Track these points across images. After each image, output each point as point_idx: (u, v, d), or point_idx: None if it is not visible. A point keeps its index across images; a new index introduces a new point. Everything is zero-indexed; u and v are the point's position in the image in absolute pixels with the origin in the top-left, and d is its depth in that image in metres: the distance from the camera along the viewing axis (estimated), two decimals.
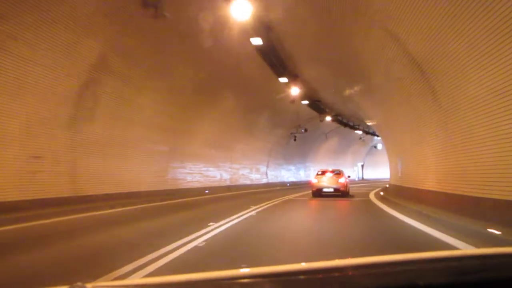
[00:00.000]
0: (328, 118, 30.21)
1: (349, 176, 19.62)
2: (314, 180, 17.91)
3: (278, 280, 0.96)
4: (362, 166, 54.27)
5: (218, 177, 23.99)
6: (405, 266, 1.05)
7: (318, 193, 17.10)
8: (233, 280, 0.98)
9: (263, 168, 31.26)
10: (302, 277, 0.97)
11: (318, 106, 27.11)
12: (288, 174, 36.79)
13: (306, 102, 24.00)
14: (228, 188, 24.49)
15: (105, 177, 13.27)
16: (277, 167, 34.18)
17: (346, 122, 35.30)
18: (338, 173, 17.90)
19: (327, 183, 17.14)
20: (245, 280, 1.00)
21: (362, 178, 53.96)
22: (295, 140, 33.30)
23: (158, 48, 13.09)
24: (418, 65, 8.70)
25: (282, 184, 33.84)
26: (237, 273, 1.02)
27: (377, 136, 46.48)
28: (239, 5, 9.46)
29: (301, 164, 39.46)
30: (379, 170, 58.08)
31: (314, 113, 28.74)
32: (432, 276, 0.96)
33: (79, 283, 0.90)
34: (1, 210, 8.41)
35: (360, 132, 39.88)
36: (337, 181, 17.09)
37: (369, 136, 46.76)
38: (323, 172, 18.09)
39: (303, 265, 1.05)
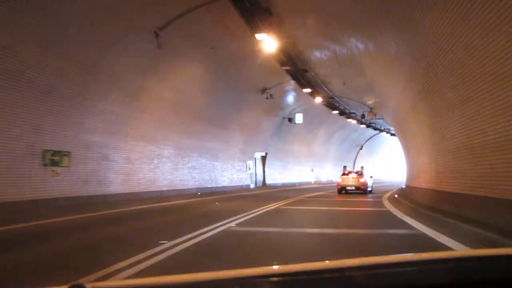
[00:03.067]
0: None
1: (371, 176, 21.13)
2: (339, 180, 19.31)
3: (277, 280, 0.96)
4: (264, 158, 27.61)
5: None
6: (405, 267, 1.04)
7: (343, 190, 18.67)
8: (232, 280, 0.98)
9: None
10: (302, 277, 0.97)
11: None
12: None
13: None
14: None
15: None
16: None
17: None
18: (360, 174, 19.28)
19: (350, 182, 18.62)
20: (245, 281, 0.98)
21: (263, 183, 27.30)
22: None
23: None
24: None
25: None
26: (237, 273, 1.00)
27: (305, 85, 20.48)
28: None
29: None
30: (295, 170, 32.63)
31: None
32: (432, 277, 0.96)
33: (79, 283, 0.85)
34: None
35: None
36: (359, 181, 18.50)
37: (283, 91, 20.55)
38: (348, 173, 19.71)
39: (303, 265, 1.03)
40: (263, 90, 20.04)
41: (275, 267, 1.03)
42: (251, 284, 0.96)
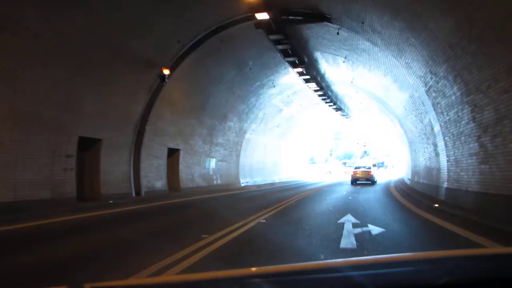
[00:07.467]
0: None
1: (377, 168, 29.23)
2: (352, 173, 25.04)
3: (277, 280, 0.96)
4: None
5: None
6: (405, 266, 1.04)
7: (355, 181, 24.18)
8: (232, 280, 0.98)
9: None
10: (301, 277, 0.97)
11: None
12: None
13: None
14: None
15: None
16: None
17: None
18: (369, 168, 25.08)
19: (361, 175, 24.45)
20: (245, 280, 0.98)
21: None
22: None
23: None
24: None
25: None
26: (237, 273, 1.02)
27: None
28: None
29: None
30: None
31: None
32: (431, 276, 0.95)
33: (78, 283, 0.87)
34: None
35: None
36: (368, 174, 24.24)
37: None
38: (359, 168, 25.78)
39: (303, 265, 1.05)
40: None
41: (275, 267, 1.02)
42: (251, 284, 0.96)
